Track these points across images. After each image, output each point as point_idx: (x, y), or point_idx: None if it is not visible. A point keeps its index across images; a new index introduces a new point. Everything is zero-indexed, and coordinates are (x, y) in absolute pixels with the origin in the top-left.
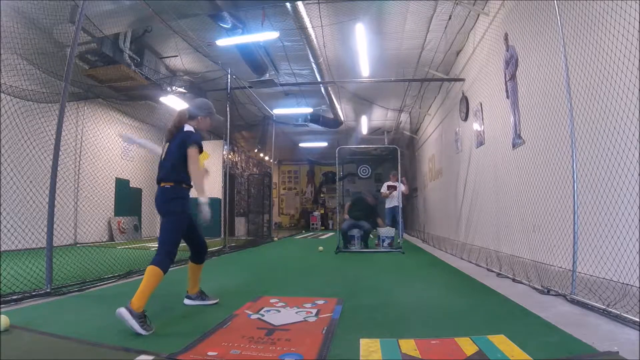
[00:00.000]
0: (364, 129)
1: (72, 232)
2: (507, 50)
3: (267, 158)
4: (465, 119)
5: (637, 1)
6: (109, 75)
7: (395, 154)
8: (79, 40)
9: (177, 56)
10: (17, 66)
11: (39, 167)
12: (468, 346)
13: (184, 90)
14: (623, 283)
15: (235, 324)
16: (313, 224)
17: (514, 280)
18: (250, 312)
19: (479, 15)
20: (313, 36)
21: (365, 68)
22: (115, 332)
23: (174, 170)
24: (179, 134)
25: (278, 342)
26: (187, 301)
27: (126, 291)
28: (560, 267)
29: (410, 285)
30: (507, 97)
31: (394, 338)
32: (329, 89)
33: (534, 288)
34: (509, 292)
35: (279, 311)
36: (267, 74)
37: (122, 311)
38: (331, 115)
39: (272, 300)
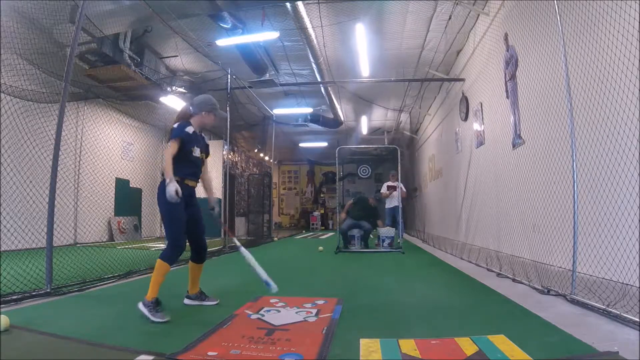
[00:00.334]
0: (364, 129)
1: (72, 232)
2: (507, 50)
3: (267, 158)
4: (465, 119)
5: (637, 1)
6: (109, 75)
7: (395, 154)
8: (79, 40)
9: (177, 56)
10: (17, 66)
11: (39, 167)
12: (468, 346)
13: (184, 90)
14: (623, 283)
15: (235, 324)
16: (313, 224)
17: (514, 280)
18: (250, 312)
19: (479, 15)
20: (313, 36)
21: (365, 68)
22: (115, 332)
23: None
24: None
25: (278, 342)
26: (186, 301)
27: (126, 291)
28: (560, 267)
29: (411, 285)
30: (507, 97)
31: (394, 338)
32: (329, 89)
33: (534, 288)
34: (509, 292)
35: (279, 311)
36: (267, 74)
37: (139, 304)
38: (331, 115)
39: (272, 300)
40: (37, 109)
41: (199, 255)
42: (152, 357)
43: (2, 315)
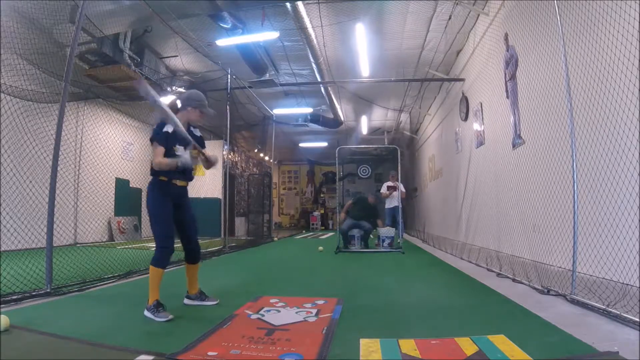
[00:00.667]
0: (364, 129)
1: (72, 232)
2: (507, 50)
3: (267, 158)
4: (465, 119)
5: (637, 1)
6: (109, 75)
7: (395, 154)
8: (79, 40)
9: (177, 56)
10: (17, 66)
11: (39, 167)
12: (468, 346)
13: (184, 90)
14: (623, 283)
15: (235, 324)
16: (313, 224)
17: (514, 280)
18: (250, 312)
19: (479, 15)
20: (313, 36)
21: (365, 68)
22: (115, 332)
23: (151, 164)
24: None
25: (278, 342)
26: (186, 301)
27: (126, 291)
28: (560, 267)
29: (411, 285)
30: (507, 97)
31: (394, 338)
32: (329, 89)
33: (534, 288)
34: (509, 292)
35: (279, 311)
36: (267, 74)
37: (144, 310)
38: (331, 115)
39: (272, 300)
40: (37, 109)
41: (192, 256)
42: (152, 357)
43: (2, 315)
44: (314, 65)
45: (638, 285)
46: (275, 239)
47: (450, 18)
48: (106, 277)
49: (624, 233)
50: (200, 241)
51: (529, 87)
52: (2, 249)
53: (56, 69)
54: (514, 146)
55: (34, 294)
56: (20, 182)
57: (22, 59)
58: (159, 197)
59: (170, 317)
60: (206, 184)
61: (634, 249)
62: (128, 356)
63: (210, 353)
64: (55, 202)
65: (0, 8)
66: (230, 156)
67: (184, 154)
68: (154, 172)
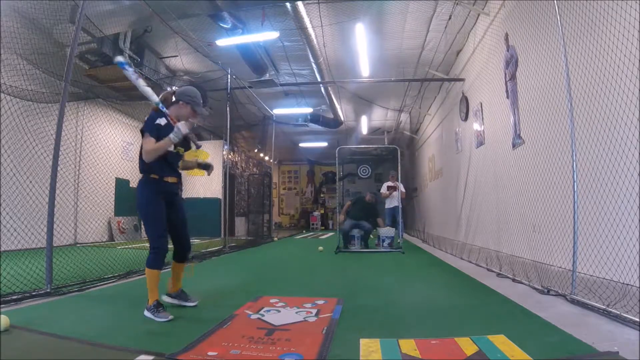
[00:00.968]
0: (364, 129)
1: (72, 232)
2: (507, 50)
3: (267, 158)
4: (465, 119)
5: (637, 1)
6: (109, 75)
7: (395, 154)
8: (79, 40)
9: (177, 56)
10: (17, 66)
11: (39, 167)
12: (468, 346)
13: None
14: (623, 283)
15: (235, 324)
16: (313, 224)
17: (514, 280)
18: (250, 312)
19: (479, 15)
20: (313, 36)
21: (365, 68)
22: (115, 332)
23: (141, 160)
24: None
25: (278, 342)
26: (165, 298)
27: (126, 291)
28: (560, 267)
29: (411, 285)
30: (507, 97)
31: (394, 338)
32: (329, 89)
33: (534, 288)
34: (509, 292)
35: (279, 311)
36: (267, 74)
37: (144, 310)
38: (331, 115)
39: (272, 300)
40: (37, 109)
41: (182, 255)
42: (152, 357)
43: (2, 315)
44: (314, 65)
45: (638, 285)
46: (275, 239)
47: (450, 18)
48: (106, 277)
49: (624, 233)
50: (200, 241)
51: (529, 87)
52: (2, 249)
53: (56, 69)
54: (514, 146)
55: (34, 294)
56: (20, 182)
57: (22, 59)
58: (150, 196)
59: (170, 317)
60: (206, 184)
61: (634, 249)
62: (128, 356)
63: (210, 353)
64: (55, 202)
65: (0, 8)
66: (230, 156)
67: (175, 128)
68: (144, 170)
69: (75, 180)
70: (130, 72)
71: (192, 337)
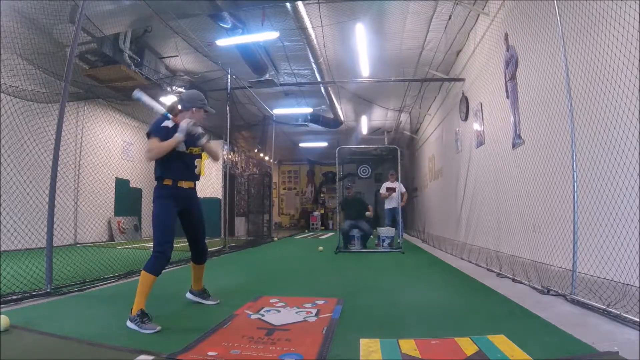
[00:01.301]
0: (364, 129)
1: (72, 232)
2: (507, 50)
3: (267, 158)
4: (465, 119)
5: (637, 1)
6: (109, 75)
7: (395, 154)
8: (79, 40)
9: (177, 56)
10: (17, 66)
11: (39, 167)
12: (468, 346)
13: (184, 90)
14: (623, 283)
15: (235, 324)
16: (313, 224)
17: (514, 280)
18: (250, 312)
19: (479, 15)
20: (313, 36)
21: (365, 68)
22: (115, 332)
23: (155, 167)
24: None
25: (278, 342)
26: (188, 295)
27: (126, 291)
28: (560, 267)
29: (410, 285)
30: (507, 97)
31: (394, 338)
32: (329, 89)
33: (534, 288)
34: (509, 292)
35: (279, 311)
36: (267, 74)
37: (127, 321)
38: (331, 115)
39: (272, 300)
40: (37, 109)
41: (199, 257)
42: (152, 357)
43: (2, 315)
44: (314, 65)
45: (638, 285)
46: (275, 239)
47: (450, 18)
48: (106, 277)
49: (624, 233)
50: None
51: (529, 87)
52: (2, 249)
53: (56, 69)
54: (514, 146)
55: (34, 294)
56: (20, 182)
57: (22, 59)
58: (162, 201)
59: (158, 328)
60: (206, 184)
61: (634, 249)
62: (128, 356)
63: (210, 353)
64: (55, 202)
65: (0, 8)
66: (230, 156)
67: (181, 125)
68: (158, 177)
69: (75, 180)
70: (145, 99)
71: (192, 337)
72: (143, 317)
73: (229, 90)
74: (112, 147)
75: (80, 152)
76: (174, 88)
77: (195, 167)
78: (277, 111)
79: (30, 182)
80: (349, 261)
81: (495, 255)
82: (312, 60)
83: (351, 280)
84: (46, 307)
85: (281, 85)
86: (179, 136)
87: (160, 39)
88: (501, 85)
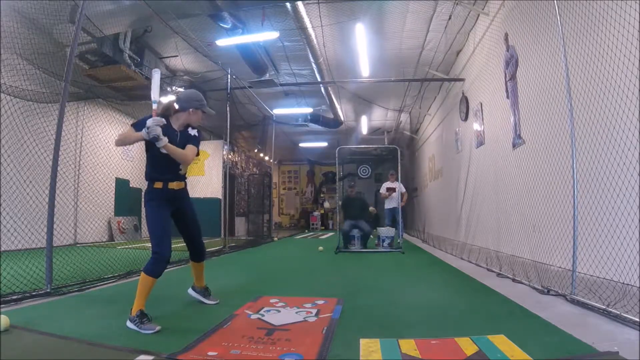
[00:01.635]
0: (364, 129)
1: (72, 232)
2: (507, 50)
3: (267, 158)
4: (465, 119)
5: (637, 1)
6: (109, 75)
7: (395, 154)
8: (79, 40)
9: (177, 56)
10: (17, 66)
11: (39, 167)
12: (468, 346)
13: (184, 90)
14: (623, 283)
15: (235, 324)
16: (313, 224)
17: (514, 280)
18: (250, 312)
19: (479, 15)
20: (313, 36)
21: (365, 68)
22: (115, 332)
23: (146, 168)
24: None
25: (278, 342)
26: (190, 291)
27: (126, 291)
28: (560, 267)
29: (410, 285)
30: (507, 97)
31: (394, 338)
32: (329, 89)
33: (534, 288)
34: (509, 292)
35: (279, 311)
36: (267, 74)
37: (127, 321)
38: (331, 115)
39: (272, 300)
40: (37, 109)
41: (197, 256)
42: (152, 357)
43: (2, 315)
44: (314, 65)
45: (638, 285)
46: (275, 239)
47: (450, 18)
48: (106, 277)
49: (624, 233)
50: None
51: (529, 87)
52: (2, 249)
53: (56, 69)
54: (514, 146)
55: (34, 294)
56: (20, 182)
57: (22, 59)
58: (154, 203)
59: (158, 328)
60: (206, 184)
61: (634, 249)
62: (128, 356)
63: (210, 353)
64: (55, 202)
65: (0, 8)
66: (230, 156)
67: (152, 124)
68: (148, 178)
69: (75, 180)
70: (155, 79)
71: (192, 337)
72: (142, 317)
73: (229, 90)
74: (112, 147)
75: (80, 152)
76: (174, 88)
77: (179, 167)
78: (277, 111)
79: (30, 182)
80: (349, 261)
81: (495, 255)
82: (312, 60)
83: (351, 280)
84: (46, 307)
85: (281, 85)
86: (143, 133)
87: (160, 39)
88: (501, 85)
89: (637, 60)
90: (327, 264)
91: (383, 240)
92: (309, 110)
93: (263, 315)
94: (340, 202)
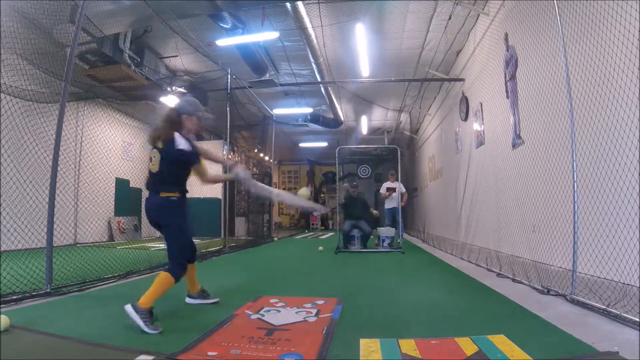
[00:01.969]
0: (364, 129)
1: (72, 232)
2: (507, 50)
3: (267, 158)
4: (465, 119)
5: (637, 1)
6: (109, 75)
7: (395, 154)
8: (79, 40)
9: (177, 56)
10: (17, 66)
11: (39, 167)
12: (468, 346)
13: (184, 90)
14: (623, 283)
15: (235, 324)
16: (313, 224)
17: (514, 280)
18: (250, 312)
19: (479, 15)
20: (313, 36)
21: (365, 68)
22: (115, 332)
23: (173, 180)
24: (172, 143)
25: (278, 342)
26: (188, 300)
27: (126, 291)
28: (560, 267)
29: (410, 285)
30: (507, 97)
31: (394, 338)
32: (329, 89)
33: (534, 288)
34: (509, 292)
35: (279, 311)
36: (267, 74)
37: (128, 307)
38: (331, 115)
39: (272, 300)
40: (37, 109)
41: (191, 256)
42: (152, 357)
43: (2, 315)
44: (314, 65)
45: (638, 285)
46: (275, 239)
47: (450, 18)
48: (106, 277)
49: (624, 233)
50: (200, 241)
51: (529, 87)
52: (2, 249)
53: (56, 69)
54: (513, 146)
55: (34, 294)
56: (20, 182)
57: (22, 59)
58: (185, 211)
59: (160, 330)
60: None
61: (634, 249)
62: (128, 356)
63: (210, 353)
64: (55, 202)
65: (0, 8)
66: (230, 156)
67: (245, 175)
68: (181, 190)
69: (75, 180)
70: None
71: (192, 337)
72: (151, 315)
73: (229, 90)
74: (112, 147)
75: (80, 152)
76: (174, 88)
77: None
78: (277, 111)
79: (30, 182)
80: (349, 261)
81: (495, 255)
82: (312, 60)
83: (351, 280)
84: (46, 307)
85: (281, 85)
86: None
87: (160, 39)
88: (501, 85)
89: (637, 60)
90: (327, 264)
91: (383, 240)
92: (309, 110)
93: (263, 315)
94: (342, 201)
